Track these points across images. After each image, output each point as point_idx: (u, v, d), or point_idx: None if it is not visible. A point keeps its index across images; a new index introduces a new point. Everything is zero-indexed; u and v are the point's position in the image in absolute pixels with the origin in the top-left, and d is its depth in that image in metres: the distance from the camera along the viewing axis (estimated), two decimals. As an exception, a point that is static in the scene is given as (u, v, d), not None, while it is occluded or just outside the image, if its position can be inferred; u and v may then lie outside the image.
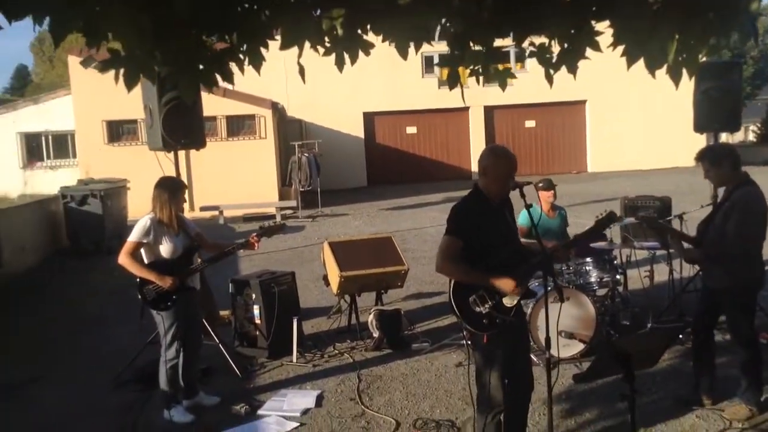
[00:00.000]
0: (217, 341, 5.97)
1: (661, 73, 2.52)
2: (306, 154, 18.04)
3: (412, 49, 2.81)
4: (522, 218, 5.82)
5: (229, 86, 3.17)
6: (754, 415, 4.58)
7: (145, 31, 2.55)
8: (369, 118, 24.60)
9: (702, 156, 4.78)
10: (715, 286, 4.73)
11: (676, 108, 21.85)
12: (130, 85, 2.95)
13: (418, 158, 25.06)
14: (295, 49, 2.86)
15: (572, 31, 2.52)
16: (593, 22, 2.52)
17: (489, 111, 24.63)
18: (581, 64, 2.82)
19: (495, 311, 3.69)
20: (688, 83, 2.87)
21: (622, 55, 2.38)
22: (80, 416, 5.29)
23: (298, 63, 2.81)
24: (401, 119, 24.88)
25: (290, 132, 22.59)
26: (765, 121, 31.32)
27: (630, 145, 24.43)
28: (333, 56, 3.00)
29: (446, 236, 3.81)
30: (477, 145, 24.78)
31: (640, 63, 2.54)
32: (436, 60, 24.43)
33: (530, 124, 25.46)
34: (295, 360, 6.14)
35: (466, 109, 24.36)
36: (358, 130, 24.35)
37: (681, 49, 2.22)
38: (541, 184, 6.67)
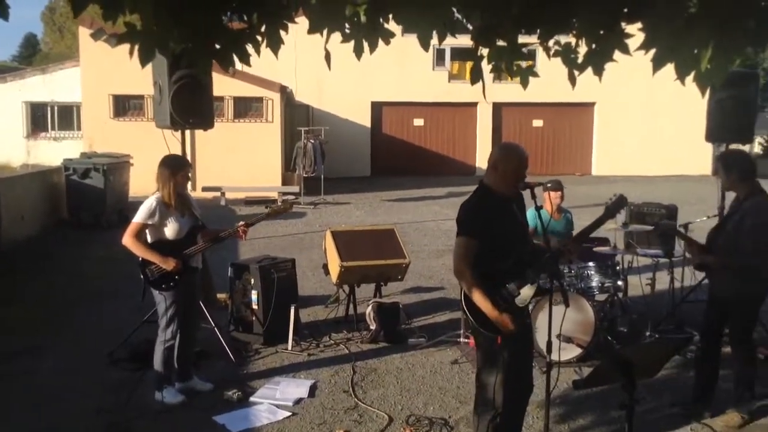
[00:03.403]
0: (213, 324, 5.92)
1: (671, 80, 2.45)
2: (312, 141, 17.94)
3: (434, 41, 2.74)
4: (530, 218, 5.77)
5: (240, 67, 3.11)
6: (746, 422, 4.61)
7: (163, 7, 2.48)
8: (377, 108, 24.46)
9: (718, 158, 4.96)
10: (723, 294, 4.74)
11: (684, 116, 21.80)
12: (144, 60, 2.89)
13: (424, 151, 24.93)
14: (305, 34, 2.79)
15: (602, 32, 2.46)
16: (624, 24, 2.45)
17: (497, 108, 24.49)
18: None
19: (507, 313, 3.64)
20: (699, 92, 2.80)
21: (652, 60, 2.31)
22: (72, 391, 5.25)
23: (325, 48, 2.74)
24: (409, 111, 24.74)
25: (297, 117, 22.47)
26: (773, 135, 31.17)
27: (636, 150, 24.32)
28: (344, 43, 2.94)
29: (461, 237, 3.72)
30: (483, 141, 24.68)
31: (659, 70, 2.48)
32: (448, 53, 24.43)
33: (538, 123, 25.34)
34: (290, 348, 6.10)
35: (475, 104, 24.24)
36: (365, 119, 24.22)
37: (714, 56, 2.15)
38: (549, 185, 6.62)
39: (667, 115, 23.52)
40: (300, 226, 13.54)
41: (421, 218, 14.41)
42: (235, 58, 2.91)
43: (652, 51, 2.41)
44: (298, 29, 2.95)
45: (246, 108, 18.92)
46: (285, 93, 19.84)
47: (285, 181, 18.68)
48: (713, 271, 4.89)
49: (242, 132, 18.41)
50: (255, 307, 6.24)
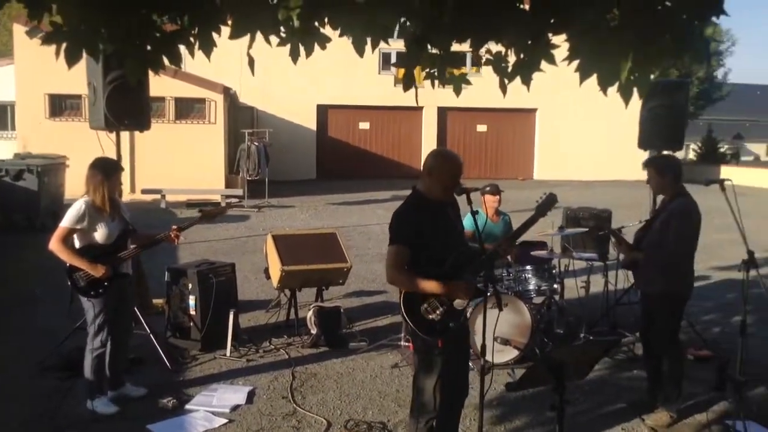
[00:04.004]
0: (148, 330, 5.79)
1: (611, 89, 2.53)
2: (256, 143, 17.78)
3: (369, 47, 2.75)
4: (467, 223, 5.84)
5: (180, 68, 3.07)
6: (674, 421, 4.77)
7: (88, 6, 2.42)
8: (322, 111, 24.42)
9: (650, 163, 5.04)
10: (648, 291, 4.91)
11: (622, 123, 22.39)
12: (71, 61, 2.83)
13: (369, 154, 25.01)
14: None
15: (529, 42, 2.52)
16: (550, 35, 2.51)
17: (442, 112, 24.76)
18: (543, 71, 2.82)
19: (447, 317, 3.67)
20: (636, 100, 2.90)
21: (576, 70, 2.38)
22: (0, 400, 5.05)
23: (248, 54, 2.72)
24: (355, 114, 24.78)
25: (241, 119, 22.22)
26: (705, 141, 32.44)
27: (576, 155, 24.94)
28: (279, 46, 2.93)
29: (392, 246, 3.74)
30: (428, 145, 24.88)
31: (593, 78, 2.56)
32: (393, 58, 24.57)
33: (482, 128, 25.72)
34: (228, 354, 6.01)
35: (420, 108, 24.43)
36: (310, 122, 24.14)
37: (634, 68, 2.23)
38: (487, 189, 6.70)
39: (605, 122, 24.17)
40: (243, 229, 13.38)
41: (366, 221, 14.43)
42: (166, 61, 2.87)
43: (578, 62, 2.48)
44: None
45: (188, 109, 18.60)
46: (228, 94, 19.59)
47: (228, 184, 18.45)
48: (640, 270, 5.03)
49: (184, 133, 18.10)
50: (192, 312, 6.12)
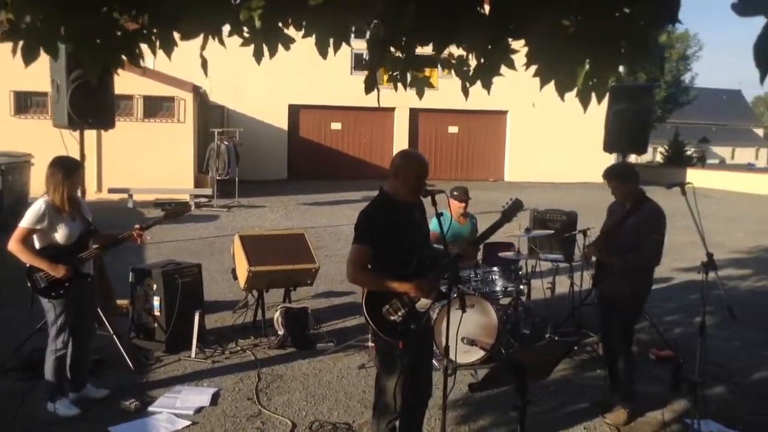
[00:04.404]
0: (111, 332, 5.71)
1: (568, 95, 2.56)
2: (225, 142, 17.64)
3: (332, 48, 2.75)
4: (433, 225, 5.87)
5: (141, 67, 3.03)
6: (633, 418, 4.87)
7: (42, 3, 2.38)
8: (294, 111, 24.31)
9: (611, 174, 5.04)
10: (616, 293, 4.94)
11: (589, 126, 22.70)
12: (27, 59, 2.77)
13: (341, 155, 24.97)
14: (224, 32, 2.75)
15: (489, 47, 2.54)
16: (510, 40, 2.54)
17: (414, 113, 24.83)
18: (505, 75, 2.85)
19: (409, 318, 3.69)
20: (598, 105, 2.93)
21: (534, 75, 2.41)
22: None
23: (201, 56, 2.70)
24: (327, 114, 24.72)
25: (211, 118, 22.02)
26: (672, 144, 33.03)
27: (545, 157, 25.17)
28: (243, 47, 2.91)
29: (355, 245, 3.75)
30: (400, 145, 24.91)
31: (545, 86, 2.58)
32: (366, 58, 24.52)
33: (453, 129, 25.84)
34: (193, 355, 5.96)
35: (392, 109, 24.47)
36: (281, 122, 24.02)
37: (590, 74, 2.27)
38: (456, 193, 6.73)
39: (575, 124, 24.37)
40: (212, 229, 13.27)
41: (337, 222, 14.41)
42: (126, 60, 2.83)
43: (537, 67, 2.51)
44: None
45: (157, 107, 18.38)
46: (198, 93, 19.41)
47: (198, 184, 18.27)
48: (609, 273, 5.09)
49: (152, 132, 17.88)
50: (157, 313, 6.06)
